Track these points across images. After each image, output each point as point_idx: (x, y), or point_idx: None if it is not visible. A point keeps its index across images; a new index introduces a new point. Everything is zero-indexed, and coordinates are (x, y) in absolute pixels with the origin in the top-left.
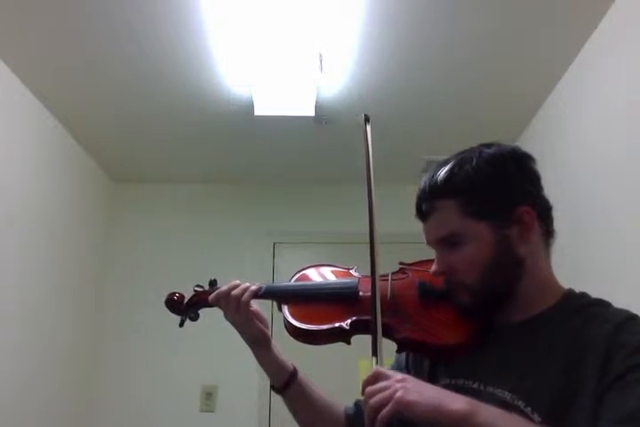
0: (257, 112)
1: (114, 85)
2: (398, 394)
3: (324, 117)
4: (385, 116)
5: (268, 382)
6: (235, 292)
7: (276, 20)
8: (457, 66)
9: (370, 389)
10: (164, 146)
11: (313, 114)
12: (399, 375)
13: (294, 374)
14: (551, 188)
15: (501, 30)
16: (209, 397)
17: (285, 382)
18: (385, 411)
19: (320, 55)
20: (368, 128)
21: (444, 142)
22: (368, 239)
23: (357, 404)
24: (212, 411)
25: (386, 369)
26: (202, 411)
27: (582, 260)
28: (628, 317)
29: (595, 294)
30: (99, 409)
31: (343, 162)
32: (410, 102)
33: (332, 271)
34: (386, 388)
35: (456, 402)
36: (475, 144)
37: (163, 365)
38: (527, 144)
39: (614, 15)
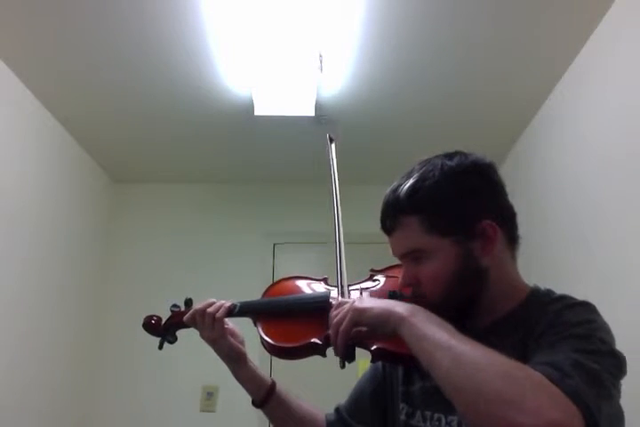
0: (257, 112)
1: (114, 85)
2: (354, 304)
3: (324, 117)
4: (385, 117)
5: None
6: (210, 309)
7: (276, 20)
8: (457, 66)
9: (333, 313)
10: (164, 146)
11: (313, 114)
12: (359, 296)
13: (272, 388)
14: (551, 188)
15: (501, 30)
16: (209, 397)
17: (264, 397)
18: (344, 324)
19: (320, 55)
20: (332, 148)
21: (443, 142)
22: (336, 248)
23: (338, 409)
24: (212, 411)
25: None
26: (202, 411)
27: (582, 260)
28: (578, 301)
29: (595, 293)
30: (99, 409)
31: (343, 162)
32: (410, 102)
33: (305, 284)
34: (343, 306)
35: (401, 306)
36: (475, 144)
37: (163, 365)
38: (527, 144)
39: (614, 15)
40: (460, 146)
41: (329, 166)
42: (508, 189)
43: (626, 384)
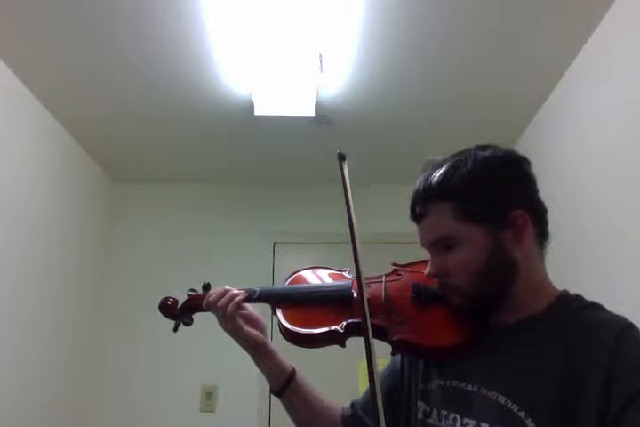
0: (257, 112)
1: (114, 86)
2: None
3: (324, 117)
4: (384, 117)
5: (267, 382)
6: (220, 303)
7: (276, 20)
8: (457, 66)
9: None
10: (163, 146)
11: (313, 114)
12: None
13: (292, 375)
14: (552, 187)
15: (501, 30)
16: (209, 397)
17: (283, 385)
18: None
19: (320, 55)
20: (345, 168)
21: (443, 142)
22: (351, 243)
23: (354, 405)
24: (212, 411)
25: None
26: (202, 411)
27: (582, 259)
28: (625, 326)
29: (595, 293)
30: (99, 409)
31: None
32: (410, 102)
33: (326, 274)
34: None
35: None
36: (475, 144)
37: (163, 365)
38: (527, 144)
39: (614, 15)
40: (460, 146)
41: (341, 185)
42: None
43: None
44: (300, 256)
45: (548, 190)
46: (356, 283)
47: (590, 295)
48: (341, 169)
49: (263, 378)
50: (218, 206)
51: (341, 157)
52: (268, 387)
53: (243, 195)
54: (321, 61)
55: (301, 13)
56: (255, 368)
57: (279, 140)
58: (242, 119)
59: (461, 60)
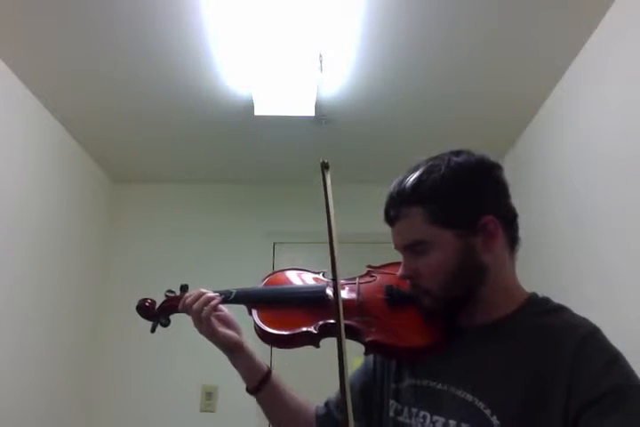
0: (257, 112)
1: (114, 85)
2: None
3: (324, 117)
4: (385, 116)
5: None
6: (196, 306)
7: (276, 20)
8: (457, 66)
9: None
10: (164, 146)
11: (313, 114)
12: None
13: (268, 375)
14: (552, 187)
15: (501, 30)
16: (209, 397)
17: (259, 384)
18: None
19: (320, 55)
20: (328, 177)
21: (444, 142)
22: (329, 244)
23: (327, 403)
24: (212, 411)
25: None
26: (202, 411)
27: (582, 259)
28: (589, 331)
29: (595, 293)
30: (99, 409)
31: (343, 162)
32: (410, 102)
33: (302, 276)
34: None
35: None
36: (475, 144)
37: (163, 365)
38: (527, 144)
39: (614, 15)
40: (459, 146)
41: (322, 194)
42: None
43: None
44: (299, 256)
45: (548, 190)
46: (330, 285)
47: (590, 295)
48: (324, 179)
49: None
50: (218, 206)
51: (325, 166)
52: None
53: (243, 195)
54: (321, 61)
55: (301, 13)
56: None
57: (279, 140)
58: (242, 119)
59: (461, 60)
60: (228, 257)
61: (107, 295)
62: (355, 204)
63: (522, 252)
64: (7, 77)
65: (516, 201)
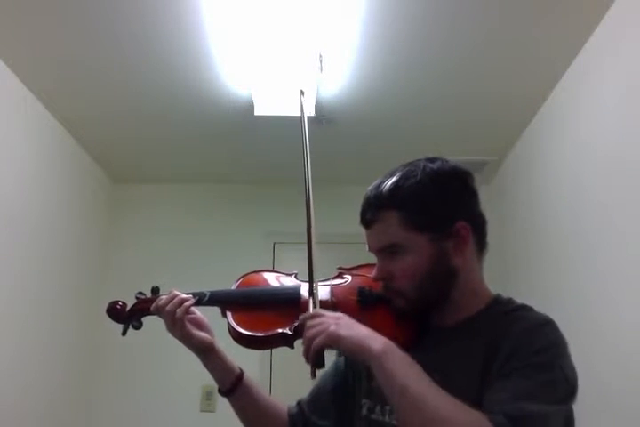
0: (257, 112)
1: (114, 85)
2: (331, 328)
3: (324, 117)
4: (385, 117)
5: (267, 383)
6: (169, 307)
7: (276, 20)
8: (457, 66)
9: (309, 323)
10: (164, 146)
11: (313, 114)
12: (335, 314)
13: (240, 377)
14: (552, 187)
15: (501, 30)
16: (209, 397)
17: (230, 386)
18: (317, 340)
19: (320, 55)
20: (303, 101)
21: (443, 142)
22: (307, 245)
23: (300, 403)
24: (212, 411)
25: (324, 310)
26: (202, 411)
27: (582, 259)
28: (542, 322)
29: (596, 293)
30: (99, 409)
31: (343, 162)
32: (410, 102)
33: (276, 277)
34: (321, 323)
35: (376, 343)
36: (475, 144)
37: (163, 365)
38: (527, 144)
39: (614, 15)
40: (460, 146)
41: (302, 130)
42: (507, 189)
43: (628, 385)
44: (299, 256)
45: (547, 190)
46: (304, 286)
47: (590, 295)
48: (301, 105)
49: (263, 378)
50: (218, 206)
51: (301, 93)
52: (267, 387)
53: (243, 195)
54: (321, 61)
55: (301, 13)
56: (255, 368)
57: (279, 140)
58: (242, 119)
59: (461, 60)
60: (228, 257)
61: (106, 295)
62: (355, 204)
63: (522, 252)
64: (7, 77)
65: (516, 201)
